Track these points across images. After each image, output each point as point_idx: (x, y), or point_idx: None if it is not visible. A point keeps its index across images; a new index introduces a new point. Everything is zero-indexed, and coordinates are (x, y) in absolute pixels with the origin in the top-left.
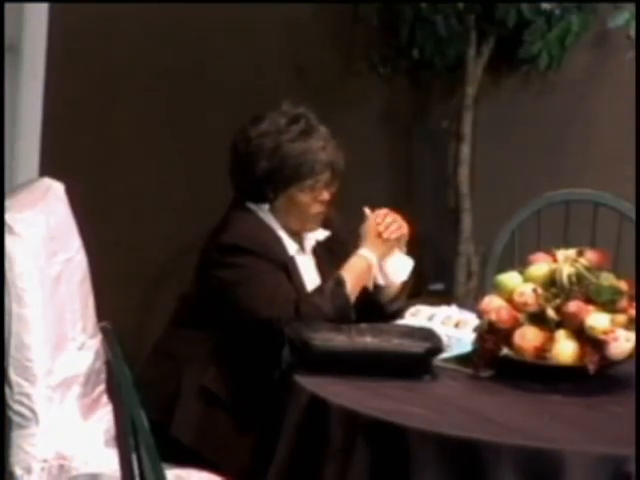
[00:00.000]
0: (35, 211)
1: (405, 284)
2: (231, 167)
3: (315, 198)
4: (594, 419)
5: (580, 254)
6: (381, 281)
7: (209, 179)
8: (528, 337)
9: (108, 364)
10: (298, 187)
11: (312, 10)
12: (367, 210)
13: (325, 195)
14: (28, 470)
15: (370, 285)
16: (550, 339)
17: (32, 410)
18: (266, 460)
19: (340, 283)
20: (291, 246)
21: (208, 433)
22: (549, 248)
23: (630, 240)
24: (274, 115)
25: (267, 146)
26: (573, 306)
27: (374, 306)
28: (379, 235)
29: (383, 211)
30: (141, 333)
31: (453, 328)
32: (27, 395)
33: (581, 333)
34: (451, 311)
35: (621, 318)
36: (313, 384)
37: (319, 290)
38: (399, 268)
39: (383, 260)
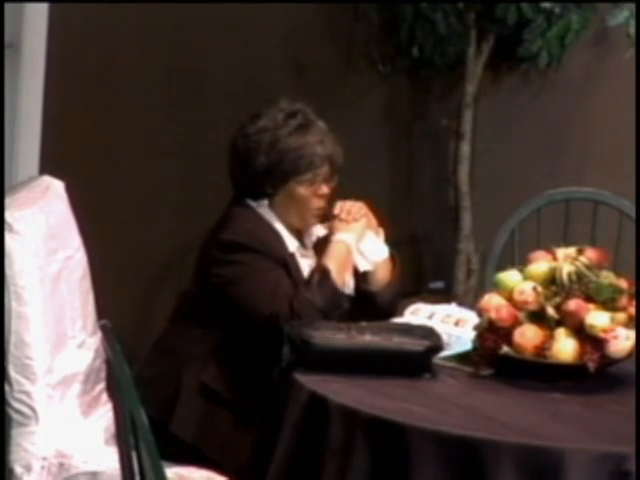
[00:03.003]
0: (35, 209)
1: (393, 271)
2: (230, 165)
3: (314, 192)
4: (594, 417)
5: (580, 252)
6: (362, 266)
7: (209, 178)
8: (528, 335)
9: (108, 362)
10: (297, 181)
11: (312, 9)
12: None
13: (324, 189)
14: (28, 468)
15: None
16: (550, 337)
17: (32, 408)
18: (266, 458)
19: (325, 273)
20: (291, 243)
21: (208, 431)
22: (549, 246)
23: (630, 238)
24: (272, 111)
25: (265, 141)
26: (573, 304)
27: (366, 298)
28: (346, 220)
29: (347, 203)
30: (141, 331)
31: (453, 326)
32: (27, 393)
33: (581, 331)
34: (451, 309)
35: (621, 316)
36: (313, 382)
37: (307, 284)
38: (375, 247)
39: (358, 244)
